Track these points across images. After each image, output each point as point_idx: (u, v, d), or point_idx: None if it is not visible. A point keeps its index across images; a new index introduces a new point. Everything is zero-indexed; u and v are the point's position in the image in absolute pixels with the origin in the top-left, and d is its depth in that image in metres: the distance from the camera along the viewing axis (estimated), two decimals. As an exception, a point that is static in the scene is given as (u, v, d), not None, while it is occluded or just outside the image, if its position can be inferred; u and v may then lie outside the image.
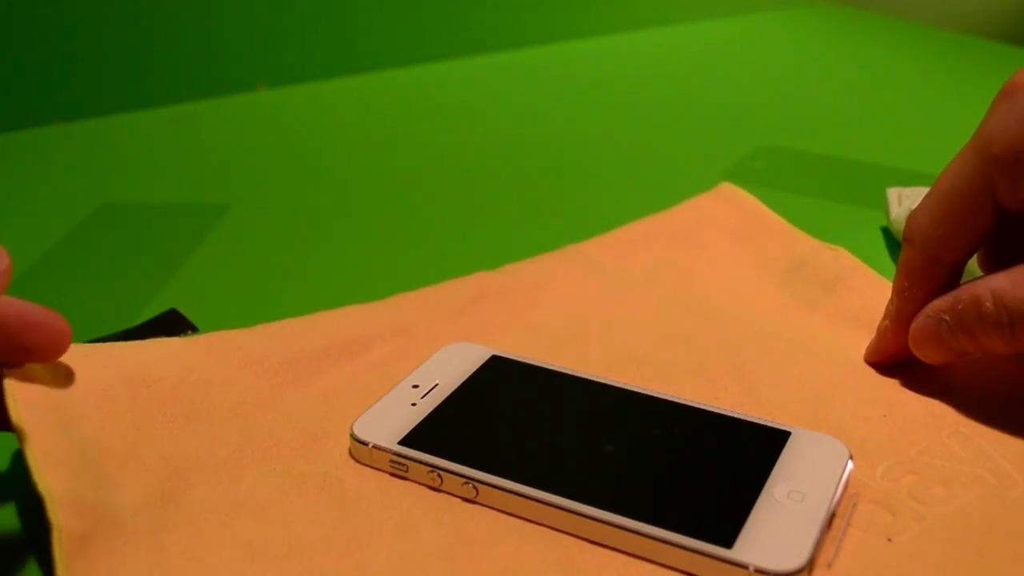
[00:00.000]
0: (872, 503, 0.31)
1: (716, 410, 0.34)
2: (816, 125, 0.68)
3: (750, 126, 0.68)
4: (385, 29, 0.84)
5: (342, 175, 0.61)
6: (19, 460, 0.35)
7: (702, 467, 0.32)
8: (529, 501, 0.30)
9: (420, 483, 0.32)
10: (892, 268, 0.47)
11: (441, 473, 0.32)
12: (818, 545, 0.28)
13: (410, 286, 0.43)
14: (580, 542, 0.30)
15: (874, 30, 0.96)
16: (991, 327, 0.33)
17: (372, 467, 0.33)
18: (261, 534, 0.30)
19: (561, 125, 0.70)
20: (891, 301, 0.37)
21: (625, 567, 0.29)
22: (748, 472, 0.31)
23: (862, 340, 0.39)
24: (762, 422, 0.33)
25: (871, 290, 0.42)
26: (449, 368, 0.37)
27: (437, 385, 0.36)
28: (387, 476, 0.33)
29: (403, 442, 0.33)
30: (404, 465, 0.32)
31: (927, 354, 0.35)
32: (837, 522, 0.30)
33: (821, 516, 0.29)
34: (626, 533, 0.29)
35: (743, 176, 0.59)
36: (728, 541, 0.28)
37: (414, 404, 0.35)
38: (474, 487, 0.31)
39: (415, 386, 0.36)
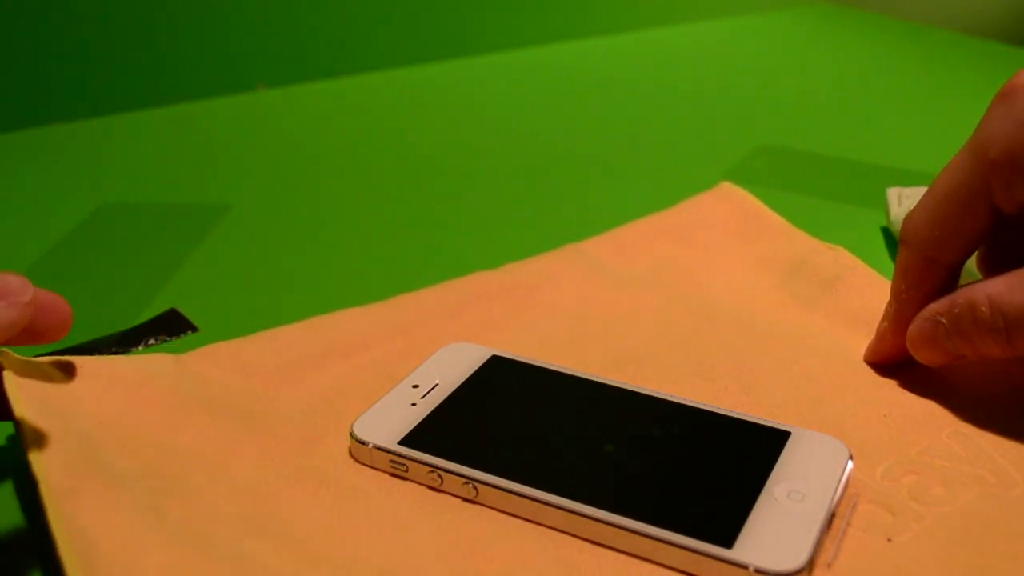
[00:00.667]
0: (872, 503, 0.31)
1: (716, 410, 0.34)
2: (816, 125, 0.68)
3: (750, 126, 0.68)
4: (385, 29, 0.84)
5: (342, 175, 0.61)
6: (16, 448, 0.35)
7: (702, 467, 0.32)
8: (529, 501, 0.30)
9: (420, 483, 0.32)
10: (892, 268, 0.47)
11: (441, 473, 0.32)
12: (818, 545, 0.28)
13: (410, 286, 0.43)
14: (580, 542, 0.30)
15: (874, 30, 0.96)
16: (986, 331, 0.33)
17: (372, 467, 0.33)
18: (259, 519, 0.30)
19: (561, 125, 0.70)
20: (889, 303, 0.37)
21: (625, 567, 0.29)
22: (748, 472, 0.31)
23: (862, 340, 0.39)
24: (762, 422, 0.33)
25: (871, 290, 0.42)
26: (449, 368, 0.37)
27: (437, 385, 0.36)
28: (387, 476, 0.33)
29: (403, 442, 0.33)
30: (404, 465, 0.32)
31: (924, 356, 0.35)
32: (837, 522, 0.30)
33: (821, 516, 0.29)
34: (626, 533, 0.29)
35: (743, 176, 0.59)
36: (728, 541, 0.28)
37: (414, 404, 0.35)
38: (474, 487, 0.31)
39: (415, 386, 0.36)
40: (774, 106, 0.73)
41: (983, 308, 0.32)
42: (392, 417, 0.34)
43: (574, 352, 0.39)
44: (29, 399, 0.32)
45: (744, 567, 0.27)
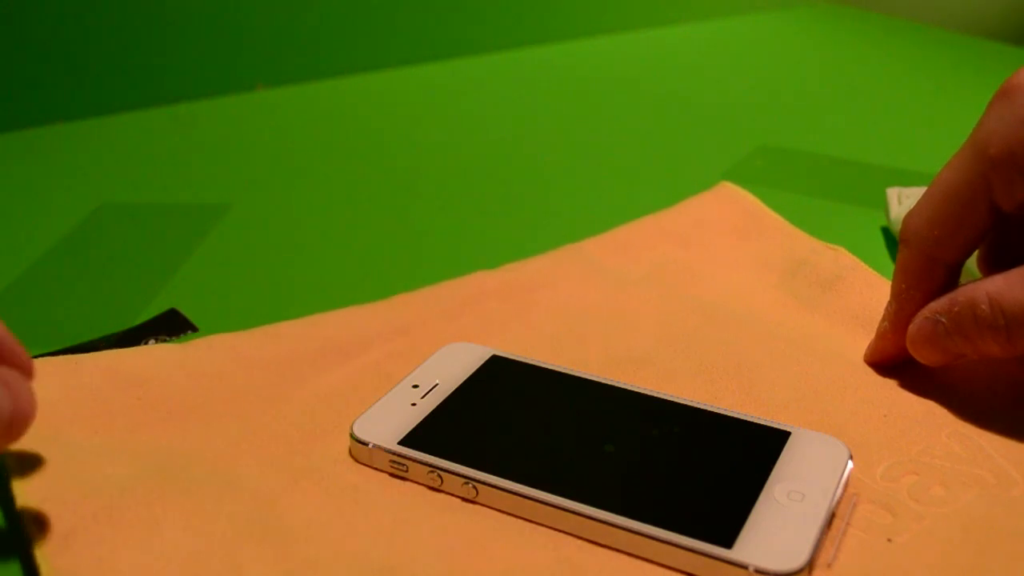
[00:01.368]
0: (872, 503, 0.31)
1: (716, 410, 0.34)
2: (816, 125, 0.68)
3: (750, 126, 0.68)
4: (385, 29, 0.84)
5: (342, 175, 0.61)
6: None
7: (702, 467, 0.32)
8: (529, 501, 0.30)
9: (420, 483, 0.32)
10: (892, 268, 0.47)
11: (441, 473, 0.32)
12: (818, 545, 0.28)
13: (410, 286, 0.43)
14: (580, 542, 0.30)
15: (874, 30, 0.96)
16: (987, 330, 0.33)
17: (372, 467, 0.33)
18: (258, 518, 0.30)
19: (561, 125, 0.70)
20: (890, 303, 0.37)
21: (625, 567, 0.29)
22: (748, 472, 0.31)
23: (862, 340, 0.39)
24: (762, 422, 0.33)
25: (871, 290, 0.42)
26: (449, 368, 0.37)
27: (437, 385, 0.36)
28: (387, 476, 0.33)
29: (403, 442, 0.33)
30: (404, 465, 0.32)
31: (924, 356, 0.35)
32: (837, 522, 0.30)
33: (821, 516, 0.29)
34: (626, 533, 0.29)
35: (743, 176, 0.59)
36: (728, 541, 0.28)
37: (414, 404, 0.35)
38: (474, 487, 0.31)
39: (415, 386, 0.36)
40: (774, 106, 0.73)
41: (983, 306, 0.32)
42: (392, 417, 0.34)
43: (574, 352, 0.39)
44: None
45: (744, 567, 0.27)
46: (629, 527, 0.29)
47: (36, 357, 0.35)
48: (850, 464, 0.31)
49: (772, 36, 0.94)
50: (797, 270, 0.44)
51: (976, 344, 0.33)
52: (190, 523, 0.29)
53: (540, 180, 0.60)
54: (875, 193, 0.55)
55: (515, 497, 0.30)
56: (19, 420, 0.28)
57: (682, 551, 0.28)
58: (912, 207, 0.35)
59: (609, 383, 0.36)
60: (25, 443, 0.32)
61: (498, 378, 0.37)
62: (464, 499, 0.31)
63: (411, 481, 0.32)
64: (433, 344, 0.39)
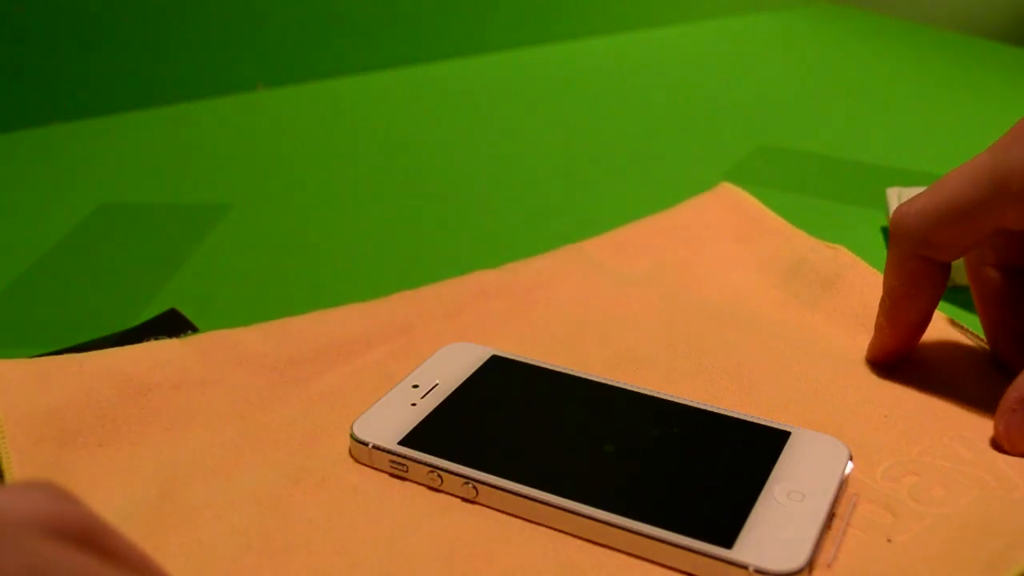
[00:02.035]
0: (872, 503, 0.31)
1: (716, 410, 0.34)
2: (816, 125, 0.68)
3: (750, 126, 0.68)
4: (385, 29, 0.84)
5: (342, 175, 0.61)
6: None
7: (702, 467, 0.32)
8: (529, 501, 0.30)
9: (420, 483, 0.32)
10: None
11: (441, 473, 0.32)
12: (818, 545, 0.28)
13: (410, 286, 0.43)
14: (580, 542, 0.30)
15: (874, 30, 0.96)
16: None
17: (372, 467, 0.33)
18: (259, 526, 0.30)
19: (561, 125, 0.70)
20: (883, 298, 0.37)
21: (625, 567, 0.29)
22: (748, 472, 0.31)
23: (862, 339, 0.39)
24: (762, 422, 0.33)
25: (871, 288, 0.42)
26: (449, 368, 0.37)
27: (437, 385, 0.36)
28: (387, 476, 0.33)
29: (403, 442, 0.33)
30: (404, 465, 0.32)
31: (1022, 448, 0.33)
32: (837, 522, 0.30)
33: (821, 516, 0.29)
34: (626, 533, 0.29)
35: (743, 176, 0.59)
36: (728, 541, 0.28)
37: (414, 404, 0.35)
38: (474, 487, 0.31)
39: (415, 386, 0.36)
40: (774, 106, 0.73)
41: None
42: (392, 417, 0.34)
43: (574, 352, 0.39)
44: (15, 438, 0.32)
45: (744, 567, 0.27)
46: (629, 527, 0.29)
47: (36, 357, 0.35)
48: (850, 464, 0.31)
49: (772, 36, 0.94)
50: (797, 270, 0.44)
51: None
52: (192, 551, 0.29)
53: (540, 180, 0.60)
54: (875, 193, 0.55)
55: (515, 497, 0.30)
56: None
57: (682, 551, 0.28)
58: (906, 204, 0.35)
59: (609, 383, 0.36)
60: (34, 455, 0.32)
61: (498, 378, 0.37)
62: (464, 499, 0.31)
63: (411, 481, 0.32)
64: (433, 344, 0.39)
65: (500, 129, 0.69)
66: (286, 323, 0.40)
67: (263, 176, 0.61)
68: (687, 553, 0.28)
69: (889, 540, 0.29)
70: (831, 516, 0.29)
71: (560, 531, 0.30)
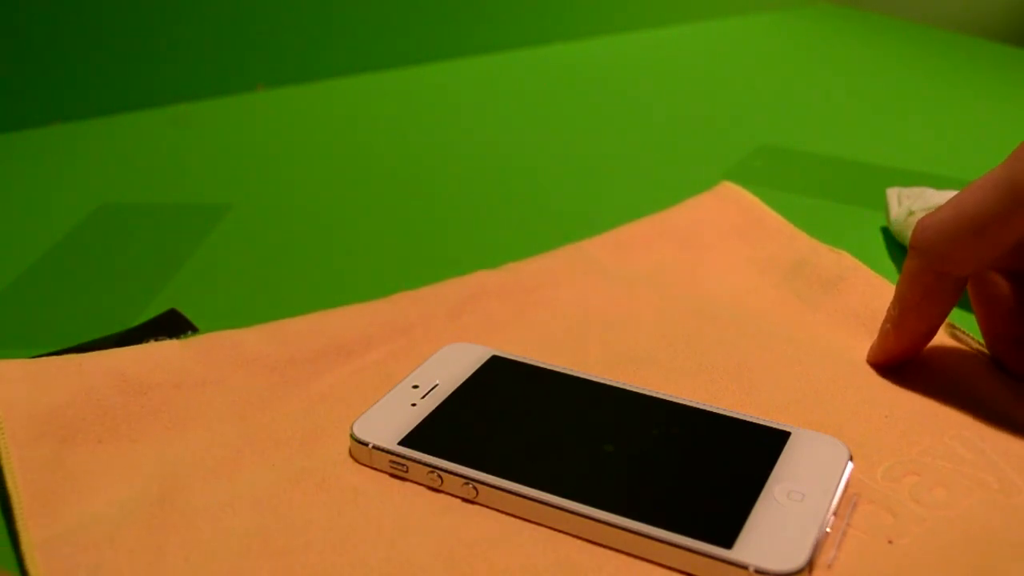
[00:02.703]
0: (872, 504, 0.31)
1: (716, 410, 0.34)
2: (816, 125, 0.68)
3: (750, 126, 0.68)
4: (385, 29, 0.84)
5: (342, 175, 0.61)
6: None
7: (702, 467, 0.32)
8: (529, 501, 0.30)
9: (420, 484, 0.32)
10: (892, 268, 0.47)
11: (441, 474, 0.32)
12: (818, 545, 0.28)
13: (411, 286, 0.43)
14: (580, 542, 0.30)
15: (874, 30, 0.96)
16: None
17: (372, 468, 0.33)
18: (259, 527, 0.30)
19: (561, 125, 0.70)
20: (893, 305, 0.36)
21: (625, 567, 0.29)
22: (748, 472, 0.31)
23: (863, 340, 0.39)
24: (762, 422, 0.33)
25: (872, 290, 0.42)
26: (449, 368, 0.37)
27: (437, 385, 0.36)
28: (387, 476, 0.33)
29: (403, 442, 0.33)
30: (404, 465, 0.32)
31: None
32: (837, 523, 0.30)
33: (821, 516, 0.29)
34: (626, 533, 0.29)
35: (743, 176, 0.59)
36: (728, 541, 0.28)
37: (414, 404, 0.35)
38: (474, 487, 0.31)
39: (415, 386, 0.36)
40: (774, 106, 0.73)
41: None
42: (392, 417, 0.34)
43: (574, 352, 0.39)
44: (15, 434, 0.33)
45: (744, 567, 0.27)
46: (629, 527, 0.29)
47: (36, 357, 0.35)
48: (850, 464, 0.31)
49: (772, 36, 0.94)
50: (798, 270, 0.44)
51: None
52: (191, 553, 0.29)
53: (540, 180, 0.60)
54: (875, 193, 0.55)
55: (515, 497, 0.30)
56: None
57: (682, 551, 0.28)
58: (927, 219, 0.34)
59: (609, 383, 0.36)
60: (34, 452, 0.32)
61: (498, 378, 0.37)
62: (464, 499, 0.31)
63: (411, 481, 0.32)
64: (433, 344, 0.39)
65: (500, 129, 0.69)
66: (286, 324, 0.40)
67: (263, 176, 0.61)
68: (687, 553, 0.28)
69: (890, 542, 0.29)
70: (831, 516, 0.29)
71: (560, 531, 0.30)
